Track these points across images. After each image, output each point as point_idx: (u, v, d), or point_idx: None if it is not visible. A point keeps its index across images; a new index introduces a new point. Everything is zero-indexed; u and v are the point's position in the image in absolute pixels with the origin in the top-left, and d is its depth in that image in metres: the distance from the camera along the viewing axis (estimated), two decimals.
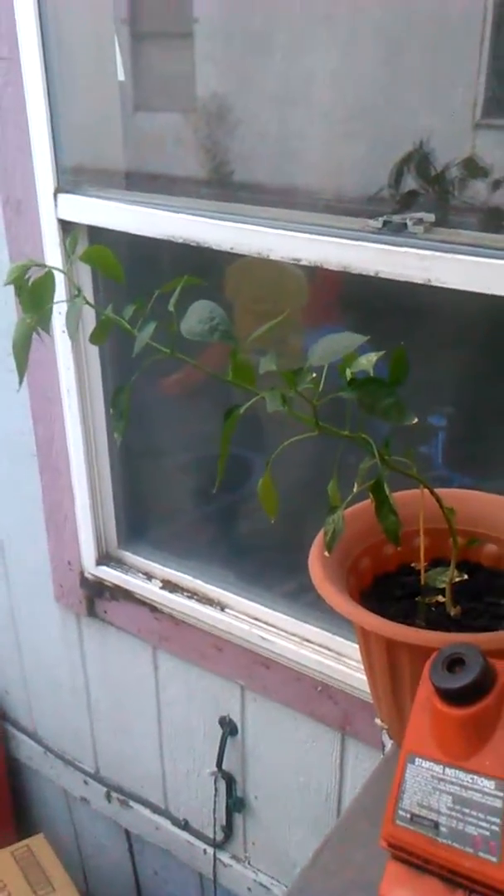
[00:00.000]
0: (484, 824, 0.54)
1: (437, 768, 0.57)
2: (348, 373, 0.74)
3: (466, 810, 0.55)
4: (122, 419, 0.77)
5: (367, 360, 0.72)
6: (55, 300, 0.79)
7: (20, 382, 0.78)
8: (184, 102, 1.39)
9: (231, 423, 0.73)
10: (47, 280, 0.79)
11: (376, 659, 0.80)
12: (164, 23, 1.41)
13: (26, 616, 2.02)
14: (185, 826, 1.91)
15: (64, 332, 1.45)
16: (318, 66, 1.20)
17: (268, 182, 1.33)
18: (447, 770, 0.57)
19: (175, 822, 1.93)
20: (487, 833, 0.54)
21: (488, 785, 0.55)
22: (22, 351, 0.77)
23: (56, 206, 1.39)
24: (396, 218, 1.08)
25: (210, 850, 1.85)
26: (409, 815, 0.57)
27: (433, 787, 0.57)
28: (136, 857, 2.16)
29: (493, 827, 0.54)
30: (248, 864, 1.81)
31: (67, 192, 1.38)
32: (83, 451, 1.58)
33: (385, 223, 1.08)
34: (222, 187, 1.35)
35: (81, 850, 2.34)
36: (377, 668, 0.81)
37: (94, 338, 0.84)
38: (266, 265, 1.21)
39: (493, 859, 0.53)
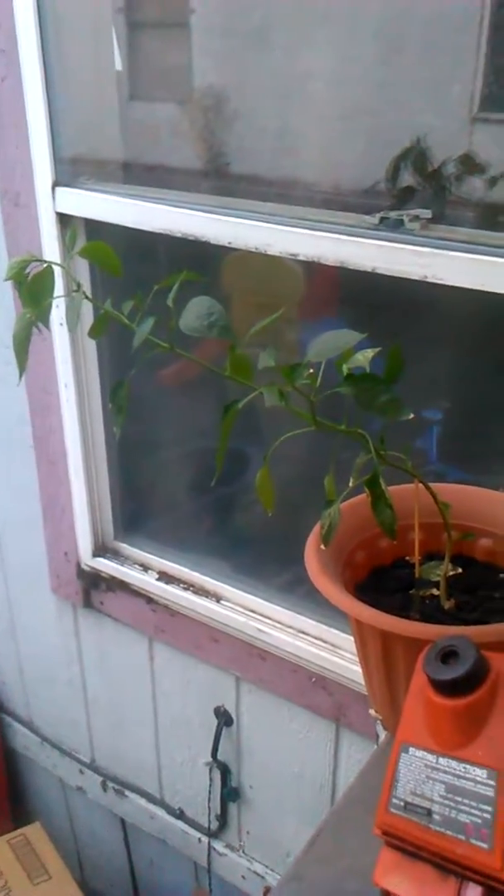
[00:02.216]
0: (476, 812, 0.55)
1: (431, 758, 0.58)
2: (345, 369, 0.75)
3: (459, 798, 0.56)
4: (120, 413, 0.78)
5: (364, 357, 0.73)
6: (54, 295, 0.80)
7: (20, 376, 0.79)
8: (180, 93, 1.39)
9: (230, 418, 0.73)
10: (47, 275, 0.80)
11: (371, 651, 0.82)
12: (160, 12, 1.41)
13: (23, 607, 2.03)
14: (180, 815, 1.93)
15: (62, 324, 1.46)
16: (316, 59, 1.21)
17: (265, 174, 1.34)
18: (440, 759, 0.58)
19: (170, 811, 1.94)
20: (479, 821, 0.55)
21: (480, 774, 0.56)
22: (22, 345, 0.78)
23: (54, 199, 1.39)
24: (393, 214, 1.09)
25: (205, 839, 1.87)
26: (402, 803, 0.58)
27: (426, 775, 0.58)
28: (132, 846, 2.18)
29: (485, 815, 0.55)
30: (243, 852, 1.83)
31: (65, 185, 1.39)
32: (80, 443, 1.59)
33: (382, 219, 1.09)
34: (219, 179, 1.35)
35: (77, 839, 2.36)
36: (371, 659, 0.83)
37: (93, 332, 0.85)
38: (264, 257, 1.22)
39: (485, 846, 0.54)
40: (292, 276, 1.30)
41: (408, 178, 1.15)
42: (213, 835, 1.85)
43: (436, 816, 0.57)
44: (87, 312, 1.39)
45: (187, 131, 1.41)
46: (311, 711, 1.50)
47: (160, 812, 1.96)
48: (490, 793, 0.55)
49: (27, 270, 0.79)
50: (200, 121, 1.38)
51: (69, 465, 1.64)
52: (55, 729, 2.17)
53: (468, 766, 0.56)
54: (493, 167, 1.09)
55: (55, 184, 1.39)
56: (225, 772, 1.74)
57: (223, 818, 1.82)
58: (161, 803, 1.96)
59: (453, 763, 0.57)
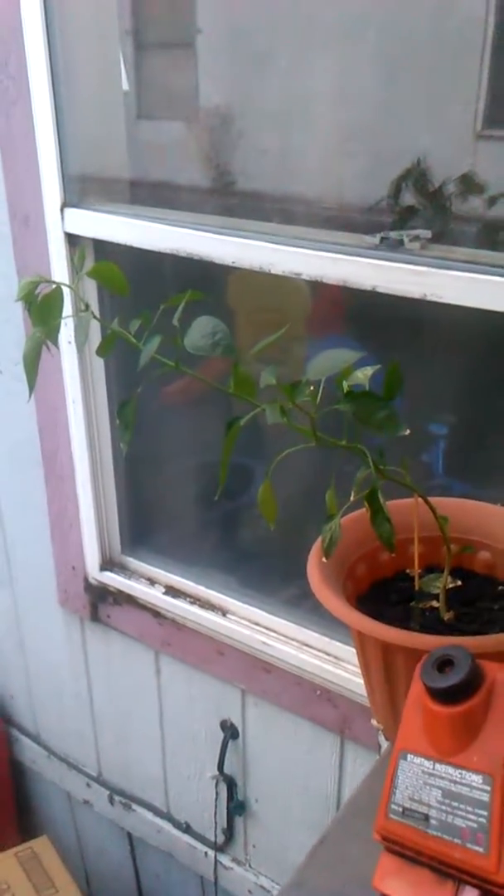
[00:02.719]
0: (472, 817, 0.57)
1: (428, 764, 0.60)
2: (345, 385, 0.77)
3: (455, 804, 0.58)
4: (128, 430, 0.80)
5: (363, 374, 0.75)
6: (63, 315, 0.82)
7: (30, 394, 0.81)
8: (186, 112, 1.43)
9: (232, 435, 0.75)
10: (56, 295, 0.82)
11: (372, 661, 0.83)
12: (167, 33, 1.44)
13: (31, 621, 2.05)
14: (186, 829, 1.93)
15: (70, 342, 1.48)
16: (321, 80, 1.23)
17: (269, 192, 1.36)
18: (437, 766, 0.59)
19: (177, 825, 1.95)
20: (475, 825, 0.57)
21: (476, 779, 0.57)
22: (32, 364, 0.80)
23: (63, 219, 1.42)
24: (394, 234, 1.11)
25: (211, 853, 1.87)
26: (401, 809, 0.60)
27: (424, 781, 0.60)
28: (138, 860, 2.18)
29: (481, 819, 0.57)
30: (249, 866, 1.83)
31: (74, 206, 1.42)
32: (88, 459, 1.61)
33: (382, 239, 1.11)
34: (224, 196, 1.38)
35: (84, 853, 2.37)
36: (373, 670, 0.84)
37: (101, 350, 0.87)
38: (268, 275, 1.25)
39: (481, 850, 0.56)
40: (298, 294, 1.32)
41: (409, 198, 1.17)
42: (219, 849, 1.86)
43: (433, 821, 0.59)
44: (95, 330, 1.42)
45: (193, 150, 1.44)
46: (315, 724, 1.51)
47: (167, 826, 1.97)
48: (485, 797, 0.57)
49: (37, 291, 0.82)
50: (206, 139, 1.41)
51: (77, 480, 1.66)
52: (62, 742, 2.18)
53: (464, 772, 0.58)
54: (492, 186, 1.12)
55: (64, 205, 1.42)
56: (231, 785, 1.75)
57: (229, 832, 1.83)
58: (167, 817, 1.97)
59: (450, 769, 0.59)
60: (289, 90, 1.28)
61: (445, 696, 0.59)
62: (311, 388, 0.72)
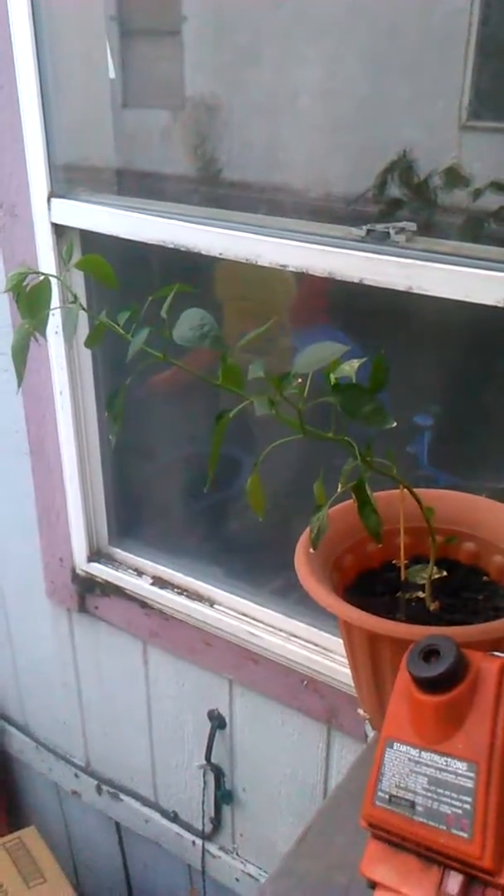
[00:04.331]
0: (457, 803, 0.58)
1: (414, 752, 0.61)
2: (332, 378, 0.77)
3: (440, 790, 0.58)
4: (117, 421, 0.81)
5: (350, 367, 0.76)
6: (51, 306, 0.82)
7: (19, 384, 0.81)
8: (172, 101, 1.42)
9: (221, 427, 0.76)
10: (44, 287, 0.82)
11: (359, 651, 0.84)
12: (152, 20, 1.43)
13: (18, 612, 2.05)
14: (174, 818, 1.94)
15: (57, 332, 1.48)
16: (309, 68, 1.23)
17: (256, 182, 1.36)
18: (423, 753, 0.60)
19: (164, 814, 1.96)
20: (460, 811, 0.57)
21: (461, 766, 0.58)
22: (21, 355, 0.80)
23: (49, 210, 1.42)
24: (380, 226, 1.11)
25: (199, 842, 1.89)
26: (387, 796, 0.61)
27: (410, 769, 0.60)
28: (126, 850, 2.19)
29: (465, 805, 0.57)
30: (236, 855, 1.85)
31: (61, 196, 1.41)
32: (75, 449, 1.61)
33: (369, 232, 1.11)
34: (211, 186, 1.38)
35: (72, 843, 2.37)
36: (360, 660, 0.85)
37: (89, 341, 0.87)
38: (255, 266, 1.25)
39: (465, 835, 0.57)
40: (284, 284, 1.33)
41: (395, 190, 1.18)
42: (206, 837, 1.87)
43: (419, 808, 0.59)
44: (82, 320, 1.41)
45: (179, 139, 1.44)
46: (302, 714, 1.52)
47: (155, 815, 1.98)
48: (469, 784, 0.57)
49: (25, 282, 0.81)
50: (192, 128, 1.40)
51: (64, 471, 1.66)
52: (50, 733, 2.18)
53: (449, 760, 0.59)
54: (477, 178, 1.12)
55: (51, 195, 1.41)
56: (219, 774, 1.76)
57: (217, 821, 1.84)
58: (155, 806, 1.98)
59: (435, 757, 0.59)
60: (275, 81, 1.27)
61: (431, 686, 0.60)
62: (299, 380, 0.72)
